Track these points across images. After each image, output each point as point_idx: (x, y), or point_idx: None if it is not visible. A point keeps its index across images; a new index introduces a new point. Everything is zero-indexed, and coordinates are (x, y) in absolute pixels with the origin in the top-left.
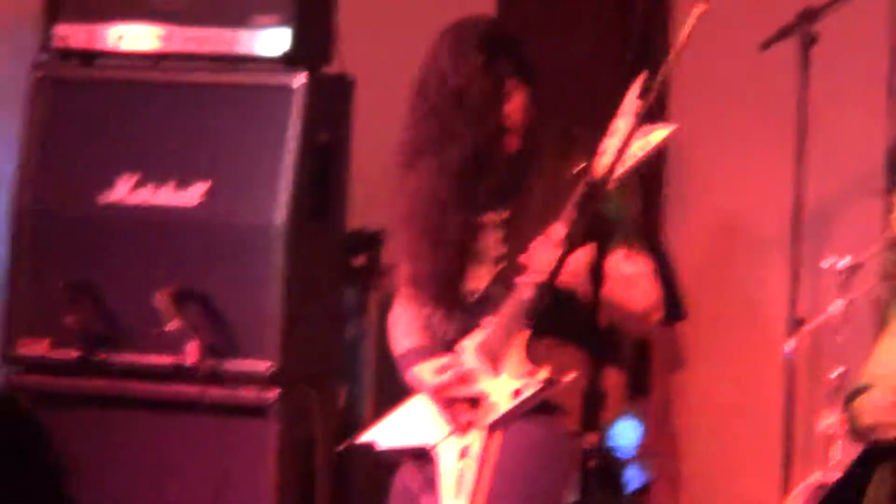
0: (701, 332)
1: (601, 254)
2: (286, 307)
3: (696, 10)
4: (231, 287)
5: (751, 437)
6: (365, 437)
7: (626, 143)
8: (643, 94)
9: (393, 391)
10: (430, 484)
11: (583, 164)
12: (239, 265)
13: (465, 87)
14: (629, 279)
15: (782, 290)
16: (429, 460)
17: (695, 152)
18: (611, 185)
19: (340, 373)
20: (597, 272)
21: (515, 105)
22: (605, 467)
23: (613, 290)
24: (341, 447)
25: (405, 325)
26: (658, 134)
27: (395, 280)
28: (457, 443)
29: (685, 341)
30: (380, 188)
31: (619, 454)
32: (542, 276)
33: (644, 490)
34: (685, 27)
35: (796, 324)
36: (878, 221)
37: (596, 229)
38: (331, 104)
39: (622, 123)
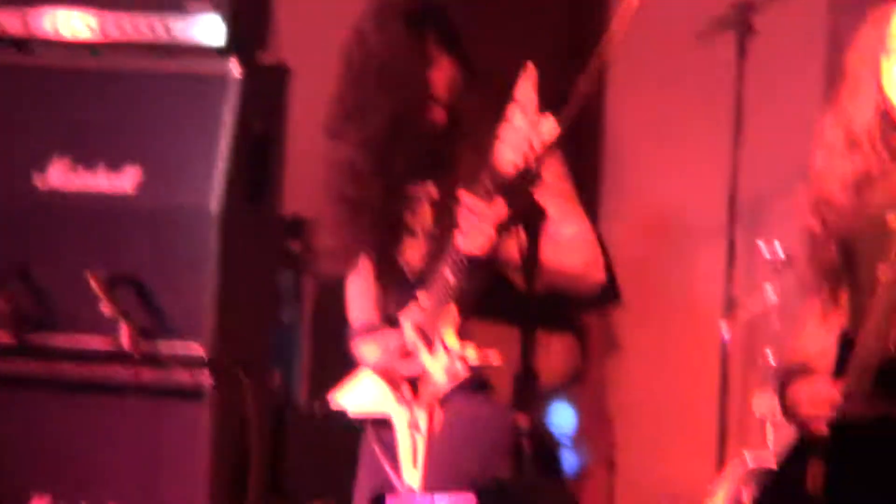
0: (637, 319)
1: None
2: (220, 291)
3: (628, 3)
4: (166, 271)
5: (685, 422)
6: (335, 404)
7: (525, 134)
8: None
9: (327, 374)
10: (391, 449)
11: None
12: (174, 249)
13: (387, 55)
14: (569, 240)
15: (718, 278)
16: (388, 426)
17: (631, 144)
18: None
19: (275, 356)
20: (532, 243)
21: (440, 75)
22: (541, 449)
23: (552, 252)
24: (319, 410)
25: (357, 298)
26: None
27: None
28: (406, 416)
29: (621, 328)
30: (315, 176)
31: (555, 437)
32: (472, 255)
33: (579, 474)
34: (616, 20)
35: (731, 305)
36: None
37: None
38: (266, 93)
39: (516, 113)
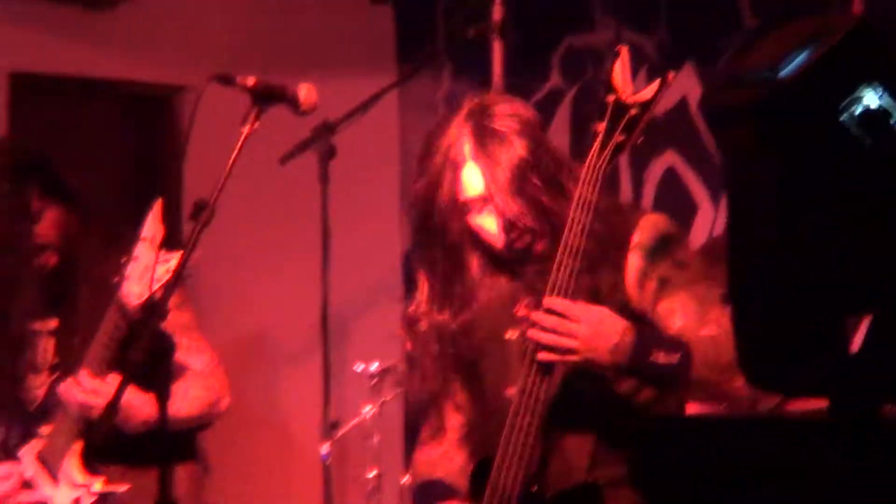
0: (232, 439)
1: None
2: None
3: (244, 132)
4: None
5: None
6: None
7: (151, 268)
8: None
9: None
10: None
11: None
12: None
13: None
14: (195, 375)
15: (315, 395)
16: None
17: (220, 268)
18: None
19: None
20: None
21: (47, 224)
22: None
23: (178, 398)
24: None
25: None
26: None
27: None
28: None
29: (213, 449)
30: None
31: None
32: (95, 413)
33: None
34: (234, 153)
35: (331, 427)
36: (397, 324)
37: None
38: None
39: (143, 249)
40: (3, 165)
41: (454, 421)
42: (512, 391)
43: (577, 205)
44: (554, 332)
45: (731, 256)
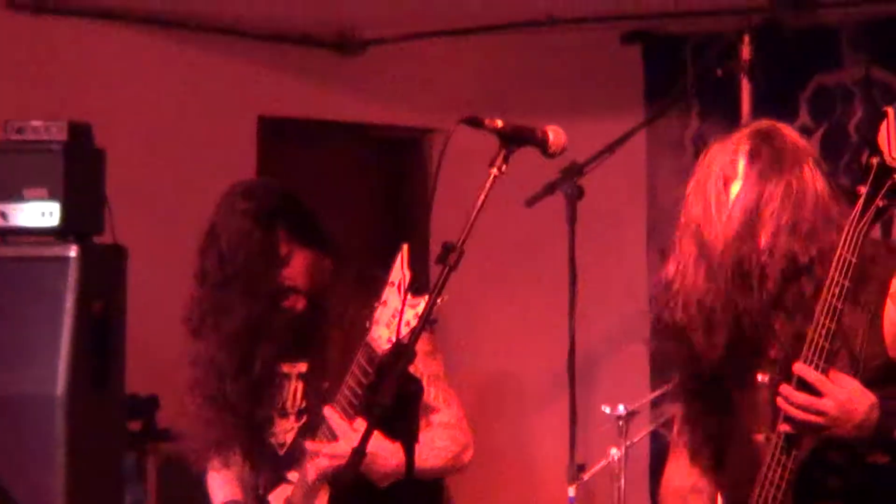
0: (479, 484)
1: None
2: (68, 477)
3: (491, 175)
4: (13, 458)
5: None
6: None
7: (399, 313)
8: (410, 265)
9: None
10: None
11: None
12: (21, 436)
13: (239, 258)
14: (442, 425)
15: (562, 438)
16: None
17: (468, 312)
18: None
19: None
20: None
21: (296, 268)
22: None
23: (424, 452)
24: None
25: (220, 480)
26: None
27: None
28: None
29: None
30: (154, 354)
31: None
32: (341, 460)
33: None
34: (482, 195)
35: (578, 469)
36: (644, 367)
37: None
38: (104, 273)
39: (391, 294)
40: (252, 208)
41: (706, 449)
42: (760, 437)
43: (837, 266)
44: (803, 408)
45: None
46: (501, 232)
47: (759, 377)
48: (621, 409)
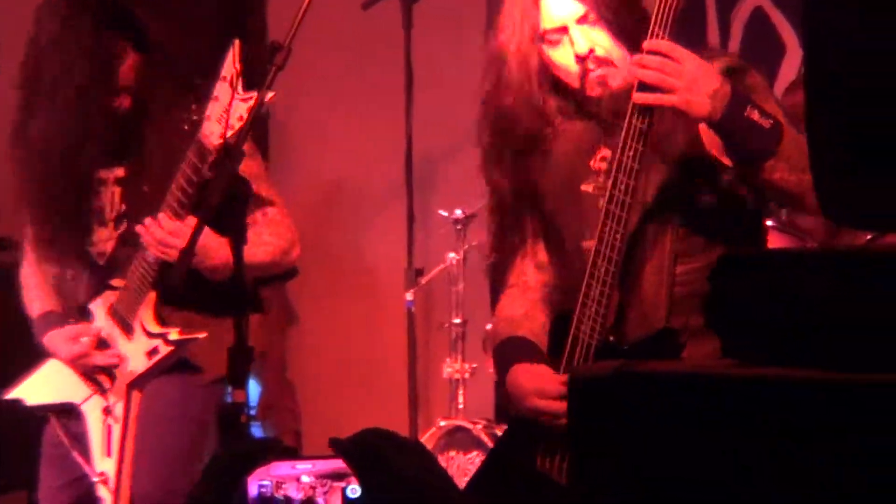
0: (317, 289)
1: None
2: None
3: None
4: None
5: (375, 386)
6: (12, 394)
7: (228, 108)
8: (241, 60)
9: (16, 360)
10: (81, 439)
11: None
12: None
13: (74, 52)
14: (267, 222)
15: (400, 243)
16: (77, 416)
17: (304, 116)
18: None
19: None
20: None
21: (127, 66)
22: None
23: (251, 245)
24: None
25: (35, 288)
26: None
27: (23, 240)
28: (100, 403)
29: (299, 298)
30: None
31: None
32: (173, 254)
33: None
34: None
35: (416, 274)
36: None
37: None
38: None
39: (222, 89)
40: (91, 8)
41: (536, 280)
42: (589, 244)
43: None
44: (658, 71)
45: (806, 42)
46: (339, 36)
47: (583, 187)
48: (458, 212)
